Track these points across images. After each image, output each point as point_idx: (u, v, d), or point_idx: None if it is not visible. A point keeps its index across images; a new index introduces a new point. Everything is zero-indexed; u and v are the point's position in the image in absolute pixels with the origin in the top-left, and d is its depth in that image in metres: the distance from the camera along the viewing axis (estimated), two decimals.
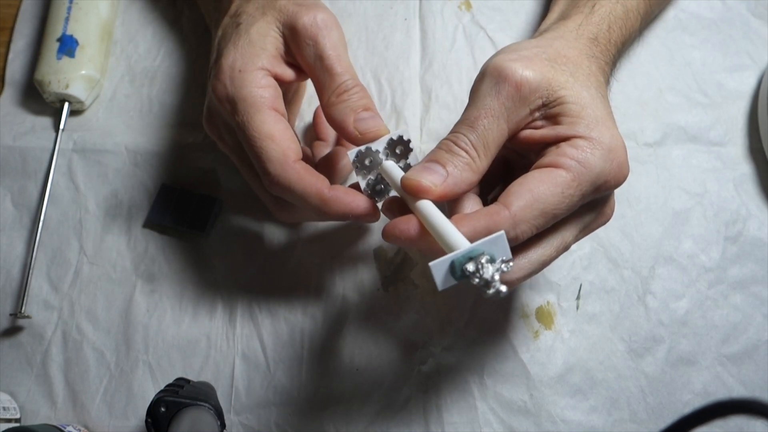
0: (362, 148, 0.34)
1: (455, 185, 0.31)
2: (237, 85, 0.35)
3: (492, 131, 0.31)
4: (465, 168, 0.31)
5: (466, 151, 0.31)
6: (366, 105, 0.35)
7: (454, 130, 0.32)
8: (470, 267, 0.26)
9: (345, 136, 0.36)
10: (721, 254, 0.44)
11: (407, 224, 0.30)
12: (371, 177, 0.35)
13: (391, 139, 0.35)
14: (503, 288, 0.25)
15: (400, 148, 0.35)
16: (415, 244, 0.30)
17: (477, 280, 0.25)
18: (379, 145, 0.35)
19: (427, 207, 0.30)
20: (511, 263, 0.26)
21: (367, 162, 0.35)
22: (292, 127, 0.46)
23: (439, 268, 0.26)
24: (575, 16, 0.37)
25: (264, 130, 0.34)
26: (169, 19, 0.51)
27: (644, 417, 0.40)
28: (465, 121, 0.32)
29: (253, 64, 0.35)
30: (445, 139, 0.32)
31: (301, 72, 0.38)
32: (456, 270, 0.26)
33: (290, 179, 0.34)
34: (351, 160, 0.34)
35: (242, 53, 0.36)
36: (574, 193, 0.30)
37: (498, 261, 0.26)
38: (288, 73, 0.37)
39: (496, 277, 0.25)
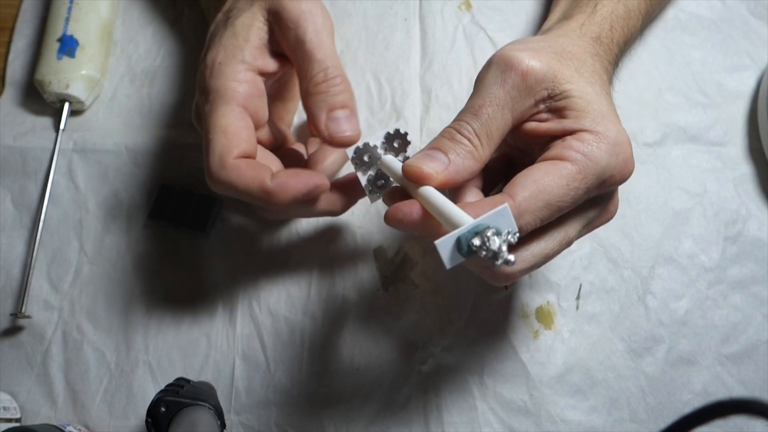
0: (360, 144, 0.34)
1: (457, 173, 0.30)
2: (215, 76, 0.34)
3: (496, 120, 0.31)
4: (467, 156, 0.31)
5: (469, 140, 0.31)
6: (343, 102, 0.34)
7: (458, 118, 0.32)
8: (476, 241, 0.25)
9: (317, 133, 0.35)
10: (721, 254, 0.44)
11: (410, 207, 0.30)
12: (371, 173, 0.35)
13: (389, 133, 0.34)
14: (511, 257, 0.25)
15: (398, 141, 0.35)
16: (418, 227, 0.30)
17: (484, 252, 0.25)
18: (377, 140, 0.34)
19: (429, 190, 0.30)
20: (517, 234, 0.26)
21: (365, 158, 0.35)
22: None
23: (445, 245, 0.26)
24: (578, 16, 0.37)
25: (221, 123, 0.33)
26: (169, 19, 0.51)
27: (644, 417, 0.40)
28: (469, 109, 0.31)
29: (234, 57, 0.35)
30: (448, 126, 0.32)
31: (286, 62, 0.37)
32: (462, 246, 0.26)
33: (229, 177, 0.33)
34: (350, 157, 0.34)
35: (225, 46, 0.35)
36: (580, 186, 0.29)
37: (504, 233, 0.26)
38: (271, 64, 0.36)
39: (504, 247, 0.25)
